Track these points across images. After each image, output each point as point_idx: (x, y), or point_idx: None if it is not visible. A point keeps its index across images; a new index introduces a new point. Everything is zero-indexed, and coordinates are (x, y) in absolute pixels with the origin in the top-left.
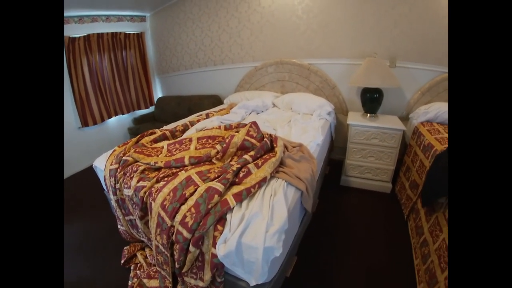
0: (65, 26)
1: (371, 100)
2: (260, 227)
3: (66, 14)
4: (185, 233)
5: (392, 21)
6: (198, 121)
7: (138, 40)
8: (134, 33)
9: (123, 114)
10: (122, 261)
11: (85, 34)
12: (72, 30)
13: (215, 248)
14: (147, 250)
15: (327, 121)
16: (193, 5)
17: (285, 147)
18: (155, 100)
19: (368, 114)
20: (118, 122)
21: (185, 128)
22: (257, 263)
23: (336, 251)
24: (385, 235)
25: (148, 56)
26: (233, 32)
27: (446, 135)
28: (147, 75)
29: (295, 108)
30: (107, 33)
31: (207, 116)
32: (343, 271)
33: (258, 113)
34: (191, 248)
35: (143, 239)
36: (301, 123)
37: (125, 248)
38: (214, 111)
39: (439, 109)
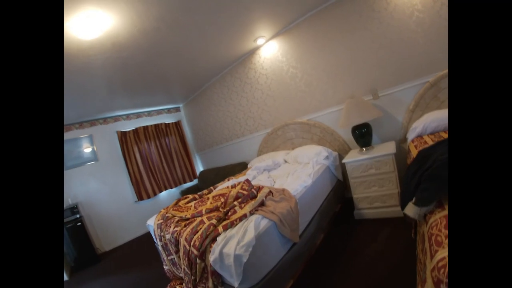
0: (115, 123)
1: (361, 135)
2: (233, 242)
3: (116, 113)
4: (195, 251)
5: (361, 59)
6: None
7: (177, 127)
8: (172, 122)
9: (171, 188)
10: None
11: (133, 128)
12: (122, 126)
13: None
14: (184, 285)
15: (323, 165)
16: (213, 93)
17: (272, 193)
18: (198, 173)
19: (364, 148)
20: (168, 195)
21: (210, 191)
22: (232, 266)
23: (338, 275)
24: (393, 257)
25: (187, 138)
26: (245, 109)
27: (432, 143)
28: (188, 154)
29: (299, 160)
30: (151, 125)
31: (228, 180)
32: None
33: (269, 171)
34: (198, 260)
35: (181, 275)
36: (298, 172)
37: (168, 285)
38: (233, 176)
39: (426, 120)
